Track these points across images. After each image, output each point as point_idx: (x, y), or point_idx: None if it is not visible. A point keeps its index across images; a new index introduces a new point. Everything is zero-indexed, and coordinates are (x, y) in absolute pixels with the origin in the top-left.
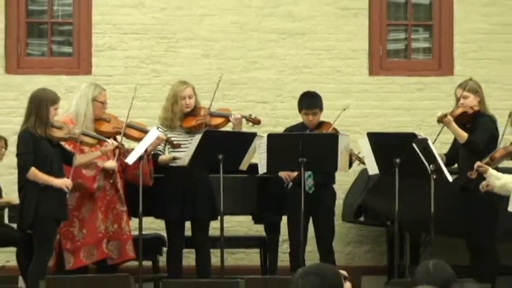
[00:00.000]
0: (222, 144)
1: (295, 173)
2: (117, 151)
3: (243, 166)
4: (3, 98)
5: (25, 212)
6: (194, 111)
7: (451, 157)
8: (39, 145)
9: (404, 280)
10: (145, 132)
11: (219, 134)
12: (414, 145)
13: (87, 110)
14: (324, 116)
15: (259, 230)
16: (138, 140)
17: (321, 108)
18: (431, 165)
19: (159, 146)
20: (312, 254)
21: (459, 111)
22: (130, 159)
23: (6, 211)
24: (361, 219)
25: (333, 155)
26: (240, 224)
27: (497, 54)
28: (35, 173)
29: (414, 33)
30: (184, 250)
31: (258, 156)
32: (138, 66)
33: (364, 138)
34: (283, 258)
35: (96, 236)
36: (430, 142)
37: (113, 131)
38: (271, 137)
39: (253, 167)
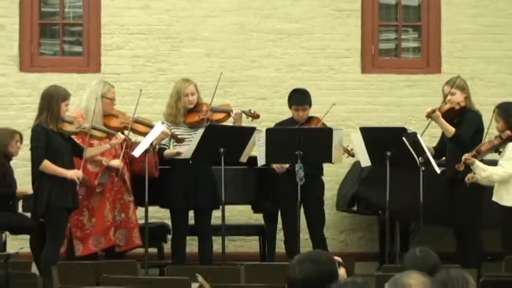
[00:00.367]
0: (223, 138)
1: (287, 165)
2: (124, 144)
3: (243, 158)
4: (18, 94)
5: (38, 202)
6: (197, 107)
7: (439, 150)
8: (52, 139)
9: (395, 265)
10: (151, 127)
11: (220, 129)
12: (404, 139)
13: (96, 106)
14: (318, 111)
15: (258, 218)
16: (144, 134)
17: (310, 104)
18: (420, 158)
19: (164, 141)
20: (307, 242)
21: (447, 107)
22: (137, 152)
23: (20, 201)
24: (354, 208)
25: (328, 148)
26: (240, 213)
27: (482, 53)
28: (47, 166)
29: (404, 34)
30: (188, 238)
31: (257, 149)
32: (145, 65)
33: (357, 133)
34: (281, 246)
35: (104, 224)
36: (419, 136)
37: (121, 126)
38: (270, 132)
39: (253, 159)
